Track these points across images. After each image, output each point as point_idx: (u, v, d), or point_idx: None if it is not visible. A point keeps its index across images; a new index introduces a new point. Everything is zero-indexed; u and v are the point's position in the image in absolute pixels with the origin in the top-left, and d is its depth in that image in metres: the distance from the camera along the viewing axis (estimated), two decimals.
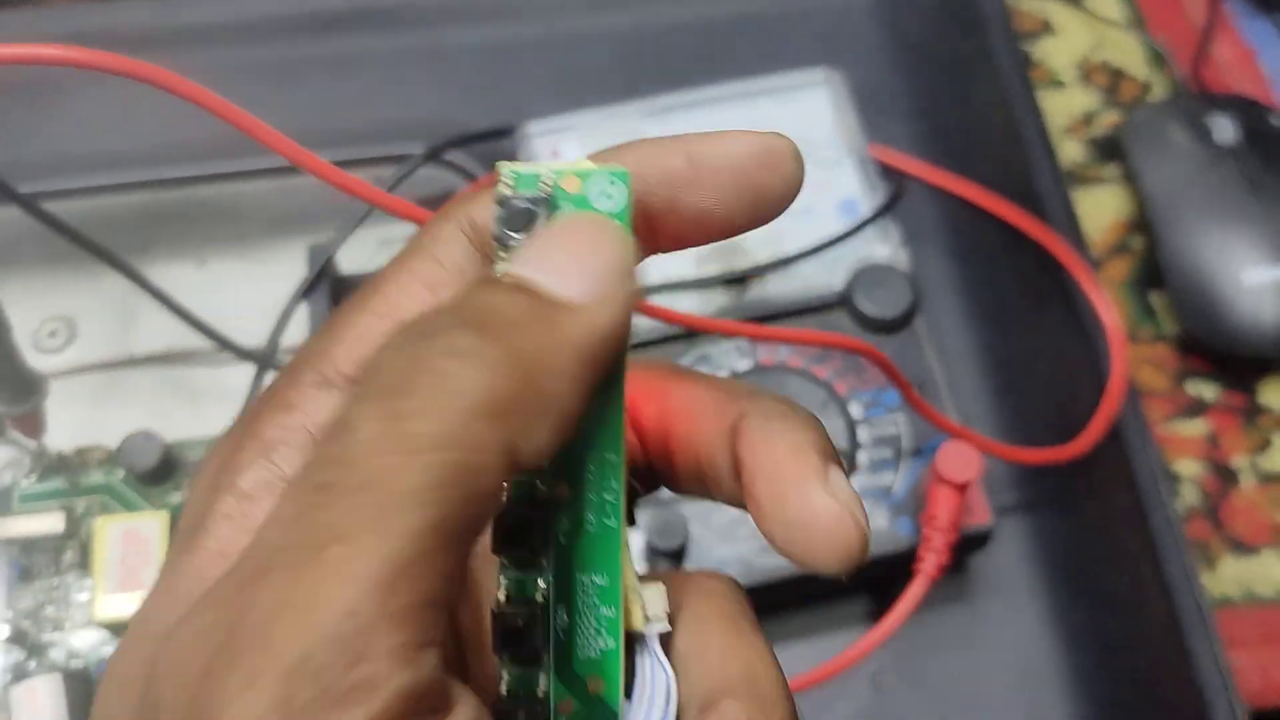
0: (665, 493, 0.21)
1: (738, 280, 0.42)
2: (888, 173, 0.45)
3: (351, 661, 0.14)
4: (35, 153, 0.51)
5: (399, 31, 0.54)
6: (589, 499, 0.18)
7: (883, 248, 0.43)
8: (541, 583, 0.18)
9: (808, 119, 0.45)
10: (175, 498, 0.41)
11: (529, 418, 0.15)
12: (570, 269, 0.17)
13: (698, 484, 0.20)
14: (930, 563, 0.38)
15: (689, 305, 0.42)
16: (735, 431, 0.19)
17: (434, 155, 0.45)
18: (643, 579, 0.18)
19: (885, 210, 0.42)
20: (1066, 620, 0.43)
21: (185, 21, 0.55)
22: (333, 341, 0.18)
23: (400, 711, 0.14)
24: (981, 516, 0.40)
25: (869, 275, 0.42)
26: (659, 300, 0.41)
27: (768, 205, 0.19)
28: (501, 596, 0.18)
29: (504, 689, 0.18)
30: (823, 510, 0.18)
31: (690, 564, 0.38)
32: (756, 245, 0.43)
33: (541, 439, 0.16)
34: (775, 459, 0.18)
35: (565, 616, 0.18)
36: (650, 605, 0.18)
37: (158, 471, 0.41)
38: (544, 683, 0.18)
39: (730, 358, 0.41)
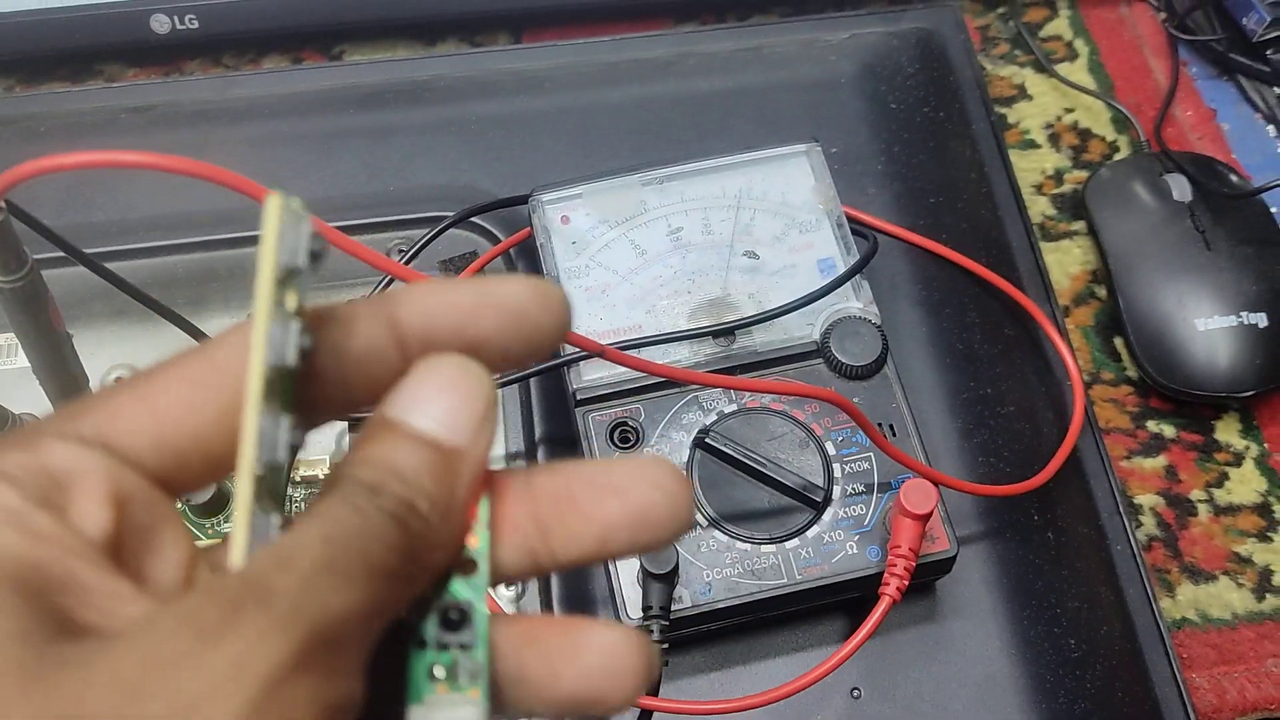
0: None
1: (726, 332, 0.46)
2: (864, 231, 0.50)
3: None
4: (101, 218, 0.55)
5: (430, 105, 0.59)
6: None
7: (856, 302, 0.47)
8: None
9: (790, 186, 0.49)
10: (226, 527, 0.47)
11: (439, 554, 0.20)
12: (458, 418, 0.20)
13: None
14: (893, 586, 0.42)
15: (682, 354, 0.46)
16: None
17: (456, 223, 0.50)
18: None
19: (858, 269, 0.47)
20: (1028, 639, 0.46)
21: (241, 95, 0.59)
22: (89, 408, 0.20)
23: None
24: (944, 544, 0.44)
25: (843, 327, 0.46)
26: (655, 350, 0.46)
27: (540, 338, 0.21)
28: None
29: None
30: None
31: (681, 588, 0.43)
32: (743, 301, 0.47)
33: (441, 565, 0.20)
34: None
35: None
36: None
37: (212, 503, 0.47)
38: None
39: (719, 402, 0.46)
